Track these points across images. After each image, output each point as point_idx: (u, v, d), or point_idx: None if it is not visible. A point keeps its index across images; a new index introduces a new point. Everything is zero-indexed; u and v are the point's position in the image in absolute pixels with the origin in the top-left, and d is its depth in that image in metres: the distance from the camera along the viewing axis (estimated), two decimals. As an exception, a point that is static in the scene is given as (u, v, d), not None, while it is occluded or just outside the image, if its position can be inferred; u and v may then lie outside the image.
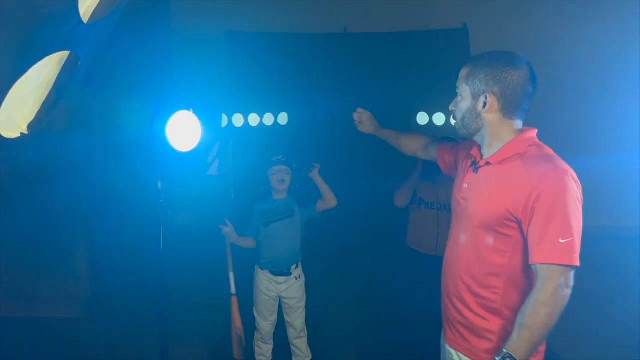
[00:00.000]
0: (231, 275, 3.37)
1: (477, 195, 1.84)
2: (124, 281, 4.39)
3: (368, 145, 4.87)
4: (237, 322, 3.32)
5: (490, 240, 1.77)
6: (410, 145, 2.50)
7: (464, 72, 1.86)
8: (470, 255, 1.84)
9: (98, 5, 1.61)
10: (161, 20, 4.49)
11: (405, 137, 2.54)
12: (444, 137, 3.67)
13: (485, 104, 1.79)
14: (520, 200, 1.66)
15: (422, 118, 5.04)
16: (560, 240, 1.59)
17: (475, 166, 1.89)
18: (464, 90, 1.85)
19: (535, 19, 5.10)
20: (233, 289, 3.37)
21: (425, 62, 5.20)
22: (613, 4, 5.03)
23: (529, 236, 1.66)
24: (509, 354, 1.60)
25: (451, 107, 1.94)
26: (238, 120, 5.18)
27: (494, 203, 1.74)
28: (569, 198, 1.61)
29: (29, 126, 1.70)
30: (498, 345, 1.78)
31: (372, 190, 4.80)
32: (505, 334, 1.76)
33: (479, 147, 1.93)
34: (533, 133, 1.82)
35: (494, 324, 1.80)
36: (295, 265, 3.45)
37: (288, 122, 5.26)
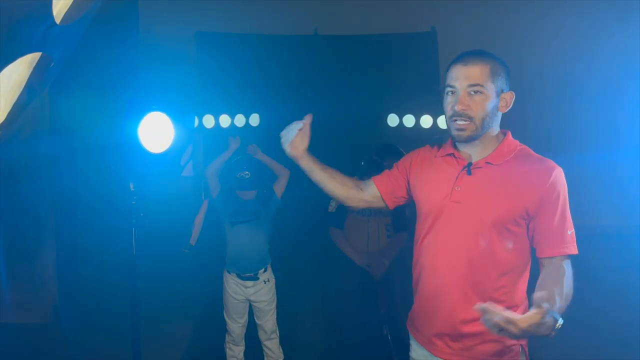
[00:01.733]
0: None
1: (484, 195, 1.80)
2: (93, 284, 4.32)
3: (339, 146, 4.92)
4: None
5: (502, 239, 1.78)
6: (340, 187, 2.11)
7: (484, 69, 1.74)
8: (478, 258, 1.81)
9: (71, 6, 1.60)
10: (130, 21, 4.43)
11: (336, 175, 2.13)
12: (388, 144, 3.75)
13: (507, 103, 1.81)
14: (534, 197, 1.73)
15: (392, 120, 5.10)
16: (568, 232, 1.75)
17: (469, 168, 1.84)
18: (490, 89, 1.75)
19: (504, 22, 5.19)
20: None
21: (395, 65, 5.26)
22: (586, 2, 5.15)
23: (540, 229, 1.76)
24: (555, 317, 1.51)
25: (462, 107, 1.75)
26: (209, 121, 5.16)
27: (510, 202, 1.75)
28: (566, 193, 1.76)
29: (0, 128, 1.68)
30: (506, 345, 1.81)
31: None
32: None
33: (456, 147, 1.90)
34: (511, 134, 1.89)
35: None
36: (263, 269, 3.43)
37: (260, 123, 5.26)
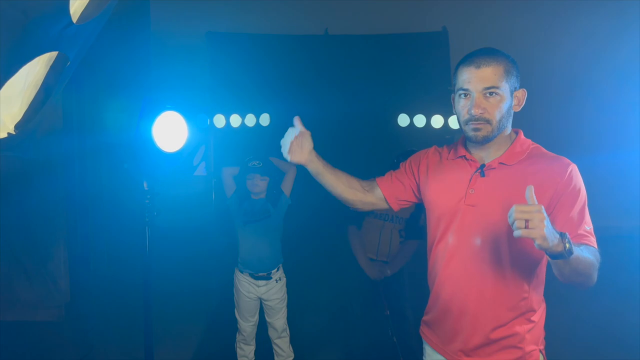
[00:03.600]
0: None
1: (499, 197, 1.76)
2: (105, 283, 4.35)
3: (350, 146, 4.92)
4: None
5: (519, 242, 1.73)
6: (349, 191, 2.11)
7: (498, 70, 1.71)
8: (495, 262, 1.78)
9: (87, 5, 1.61)
10: (141, 21, 4.45)
11: (345, 178, 2.12)
12: (408, 150, 3.74)
13: (520, 101, 1.78)
14: (548, 194, 1.70)
15: (403, 120, 5.09)
16: (586, 228, 1.69)
17: (482, 170, 1.81)
18: (505, 89, 1.72)
19: (515, 21, 5.18)
20: None
21: (405, 65, 5.26)
22: (594, 4, 5.13)
23: (556, 225, 1.61)
24: (567, 239, 1.48)
25: (479, 111, 1.72)
26: (220, 121, 5.18)
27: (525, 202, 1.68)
28: (583, 190, 1.73)
29: (16, 126, 1.70)
30: (526, 351, 1.79)
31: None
32: (530, 338, 1.79)
33: (467, 149, 1.88)
34: (522, 133, 1.86)
35: (522, 330, 1.79)
36: (276, 269, 3.45)
37: (270, 123, 5.27)
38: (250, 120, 5.27)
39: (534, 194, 1.49)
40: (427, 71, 5.17)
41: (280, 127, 5.32)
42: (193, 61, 5.24)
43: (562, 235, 1.46)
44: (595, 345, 3.71)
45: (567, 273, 1.55)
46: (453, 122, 4.95)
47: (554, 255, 1.47)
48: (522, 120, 1.91)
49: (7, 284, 4.14)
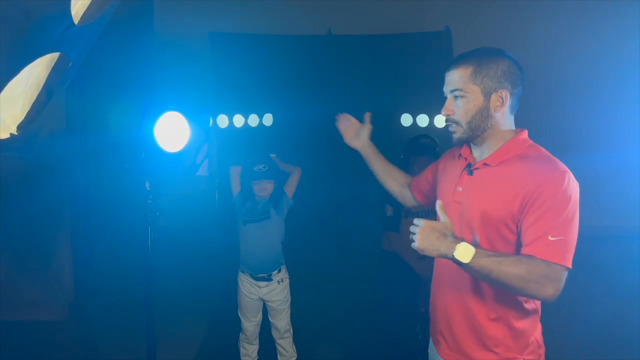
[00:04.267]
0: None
1: (478, 196, 1.77)
2: (108, 282, 4.36)
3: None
4: None
5: (494, 243, 1.72)
6: (393, 182, 2.33)
7: (464, 72, 1.74)
8: None
9: (89, 7, 1.62)
10: (145, 22, 4.47)
11: (392, 170, 2.34)
12: (422, 135, 3.71)
13: (502, 102, 1.74)
14: (522, 200, 1.64)
15: (405, 119, 5.09)
16: (550, 238, 1.58)
17: (469, 168, 1.82)
18: (472, 91, 1.73)
19: (518, 21, 5.18)
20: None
21: (408, 64, 5.25)
22: (596, 4, 5.12)
23: (522, 233, 1.64)
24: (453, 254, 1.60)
25: (446, 112, 1.81)
26: (223, 121, 5.19)
27: (499, 204, 1.69)
28: (566, 199, 1.61)
29: (19, 127, 1.70)
30: (503, 356, 1.77)
31: (357, 190, 4.85)
32: (512, 342, 1.77)
33: (469, 148, 1.88)
34: (526, 134, 1.81)
35: (498, 334, 1.78)
36: (277, 270, 3.43)
37: (273, 123, 5.27)
38: (253, 120, 5.28)
39: (440, 209, 1.69)
40: (429, 71, 5.15)
41: (283, 127, 5.37)
42: (196, 61, 5.25)
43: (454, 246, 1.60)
44: (595, 346, 3.69)
45: (482, 278, 1.66)
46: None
47: (453, 260, 1.62)
48: (522, 120, 1.89)
49: (11, 284, 4.16)
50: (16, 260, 4.21)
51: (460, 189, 1.84)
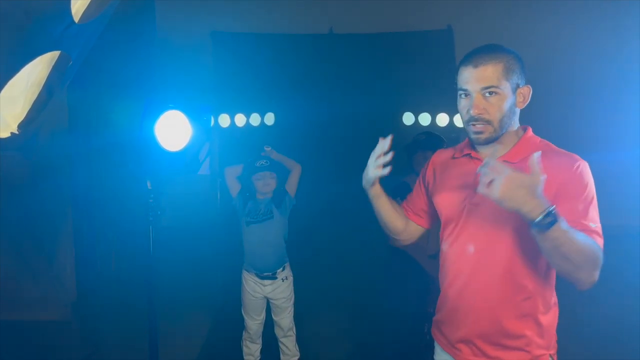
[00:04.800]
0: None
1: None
2: (111, 282, 4.36)
3: (354, 144, 4.91)
4: None
5: (524, 240, 1.68)
6: (399, 218, 2.05)
7: (496, 68, 1.66)
8: (500, 263, 1.74)
9: (89, 5, 1.61)
10: (146, 21, 4.47)
11: (396, 205, 2.06)
12: (427, 132, 3.70)
13: (524, 98, 1.71)
14: (556, 192, 1.61)
15: (408, 118, 5.08)
16: (591, 225, 1.58)
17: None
18: (505, 88, 1.66)
19: (520, 20, 5.17)
20: None
21: (410, 63, 5.25)
22: (597, 4, 5.11)
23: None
24: (554, 213, 1.43)
25: (479, 112, 1.68)
26: (224, 120, 5.18)
27: None
28: (592, 187, 1.63)
29: (20, 126, 1.70)
30: (534, 354, 1.74)
31: (360, 188, 4.85)
32: (539, 342, 1.74)
33: (473, 147, 1.82)
34: (531, 130, 1.80)
35: (530, 333, 1.75)
36: (281, 269, 3.44)
37: (275, 122, 5.27)
38: (255, 119, 5.28)
39: (536, 163, 1.45)
40: (432, 69, 5.17)
41: (284, 126, 5.37)
42: (197, 60, 5.25)
43: (545, 207, 1.42)
44: (595, 346, 3.68)
45: (549, 251, 1.50)
46: (458, 121, 4.93)
47: (530, 224, 1.45)
48: (522, 119, 1.87)
49: (13, 283, 4.16)
50: (18, 259, 4.21)
51: (477, 191, 1.77)
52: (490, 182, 1.45)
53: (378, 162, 1.86)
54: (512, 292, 1.75)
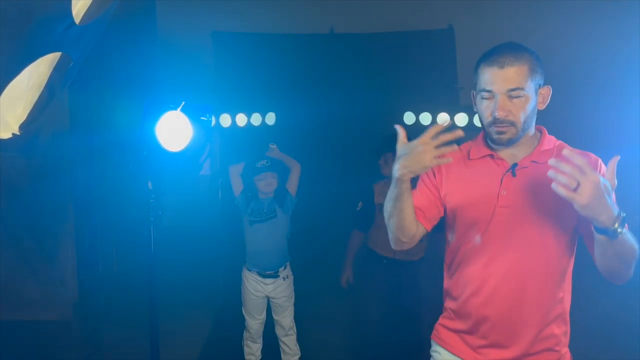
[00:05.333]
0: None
1: (537, 196, 1.67)
2: (112, 282, 4.37)
3: (355, 145, 4.91)
4: None
5: (559, 240, 1.67)
6: (413, 219, 1.83)
7: (522, 69, 1.62)
8: (535, 264, 1.70)
9: (90, 6, 1.62)
10: (147, 21, 4.47)
11: (414, 214, 1.83)
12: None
13: (544, 98, 1.69)
14: None
15: (408, 118, 5.07)
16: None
17: (514, 169, 1.71)
18: (529, 89, 1.62)
19: (521, 20, 5.16)
20: None
21: (411, 63, 5.25)
22: (598, 4, 5.11)
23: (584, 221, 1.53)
24: (625, 219, 1.43)
25: (504, 114, 1.63)
26: (225, 120, 5.19)
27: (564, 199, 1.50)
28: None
29: (21, 127, 1.70)
30: (561, 353, 1.74)
31: (360, 188, 4.85)
32: (565, 340, 1.75)
33: (492, 149, 1.76)
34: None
35: (559, 332, 1.74)
36: (283, 267, 3.46)
37: (276, 121, 5.27)
38: (256, 119, 5.28)
39: (612, 170, 1.46)
40: (433, 69, 5.17)
41: (286, 126, 5.35)
42: (198, 61, 5.26)
43: (618, 213, 1.41)
44: (595, 346, 3.68)
45: (610, 254, 1.49)
46: (460, 120, 4.93)
47: (599, 229, 1.43)
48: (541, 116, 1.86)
49: (15, 283, 4.17)
50: (19, 259, 4.22)
51: (505, 193, 1.71)
52: (577, 186, 1.36)
53: (437, 145, 1.62)
54: (550, 295, 1.72)
